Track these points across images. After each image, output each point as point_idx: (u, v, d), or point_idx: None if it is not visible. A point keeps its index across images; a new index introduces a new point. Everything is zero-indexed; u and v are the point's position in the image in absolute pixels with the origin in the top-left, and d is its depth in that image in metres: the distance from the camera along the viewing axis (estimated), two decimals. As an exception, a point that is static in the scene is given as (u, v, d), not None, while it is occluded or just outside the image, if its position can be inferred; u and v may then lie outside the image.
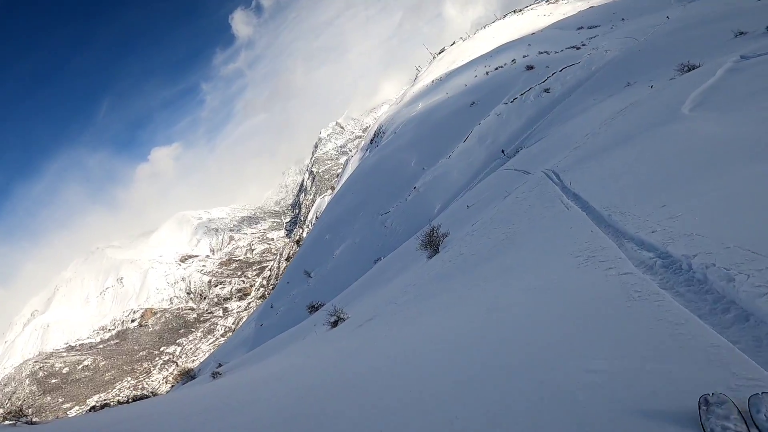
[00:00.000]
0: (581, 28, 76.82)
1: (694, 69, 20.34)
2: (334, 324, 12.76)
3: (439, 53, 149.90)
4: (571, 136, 24.28)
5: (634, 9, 68.92)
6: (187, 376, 24.29)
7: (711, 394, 2.13)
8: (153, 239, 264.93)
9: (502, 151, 42.59)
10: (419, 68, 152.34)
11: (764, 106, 9.23)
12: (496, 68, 69.37)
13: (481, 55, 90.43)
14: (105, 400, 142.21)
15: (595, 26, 74.38)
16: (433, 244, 14.39)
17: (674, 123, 11.24)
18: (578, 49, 62.08)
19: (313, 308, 27.90)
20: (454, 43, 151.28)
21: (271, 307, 55.55)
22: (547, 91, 51.33)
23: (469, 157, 44.55)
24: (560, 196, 11.16)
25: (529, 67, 59.76)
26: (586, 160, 13.46)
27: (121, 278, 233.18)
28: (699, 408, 2.09)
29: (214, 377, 18.52)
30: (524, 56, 69.21)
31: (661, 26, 47.79)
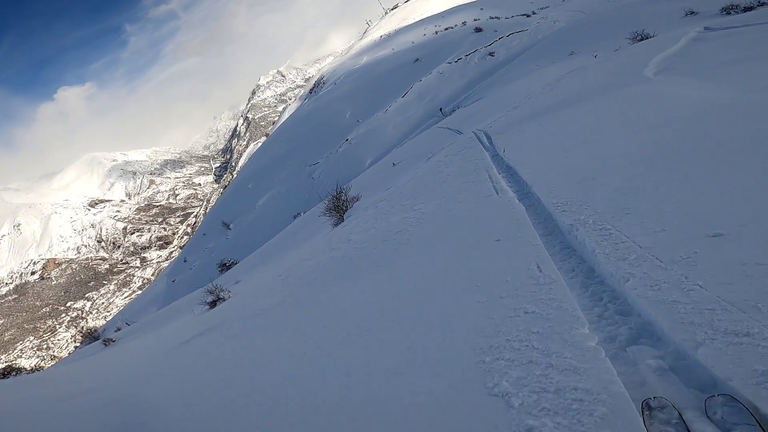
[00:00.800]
0: (535, -4, 77.02)
1: (647, 39, 20.05)
2: (213, 304, 11.06)
3: (392, 9, 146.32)
4: (509, 97, 23.50)
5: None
6: (91, 336, 21.55)
7: (653, 398, 2.09)
8: (57, 181, 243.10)
9: (440, 110, 41.84)
10: (369, 23, 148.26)
11: (752, 76, 7.54)
12: (446, 29, 68.04)
13: (433, 15, 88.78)
14: (6, 362, 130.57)
15: (548, -4, 74.84)
16: (339, 209, 12.80)
17: (639, 85, 9.56)
18: (528, 17, 62.29)
19: (225, 267, 25.63)
20: (408, 0, 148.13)
21: (185, 261, 52.43)
22: (491, 54, 51.00)
23: (406, 112, 43.43)
24: (488, 168, 8.71)
25: (478, 30, 59.07)
26: (527, 122, 11.52)
27: (19, 224, 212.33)
28: (642, 413, 2.05)
29: (105, 344, 16.40)
30: (475, 19, 68.38)
31: (613, 2, 48.57)
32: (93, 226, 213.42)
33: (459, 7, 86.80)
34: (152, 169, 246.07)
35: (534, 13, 63.89)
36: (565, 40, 38.05)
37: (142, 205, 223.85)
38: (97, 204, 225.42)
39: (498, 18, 65.10)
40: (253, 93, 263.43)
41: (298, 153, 48.42)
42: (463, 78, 48.00)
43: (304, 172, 44.11)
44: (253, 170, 55.10)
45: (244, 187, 52.26)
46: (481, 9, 74.90)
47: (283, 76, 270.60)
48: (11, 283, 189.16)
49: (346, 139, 43.50)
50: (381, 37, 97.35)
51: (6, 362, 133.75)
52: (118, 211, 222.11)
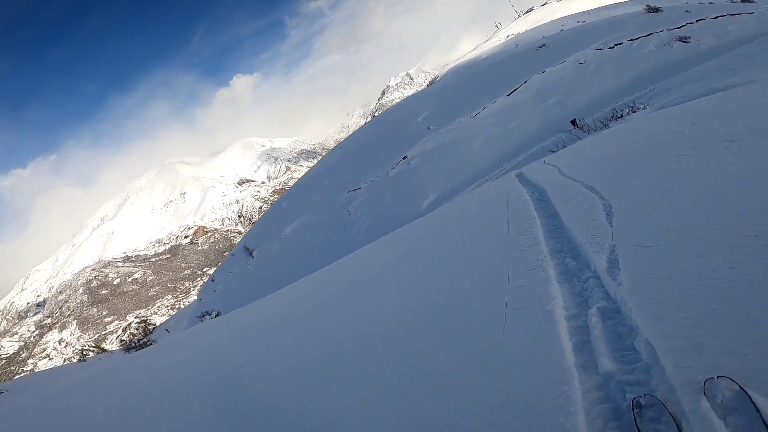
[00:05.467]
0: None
1: None
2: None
3: (527, 12, 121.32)
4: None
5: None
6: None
7: (643, 396, 1.86)
8: (219, 159, 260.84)
9: (573, 122, 20.98)
10: (499, 25, 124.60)
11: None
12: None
13: (579, 12, 63.87)
14: (144, 316, 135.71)
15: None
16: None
17: None
18: (746, 0, 36.13)
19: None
20: (546, 3, 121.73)
21: (213, 280, 39.22)
22: (683, 40, 27.85)
23: (509, 121, 23.22)
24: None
25: (652, 9, 35.31)
26: None
27: (185, 193, 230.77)
28: (632, 411, 1.83)
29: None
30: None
31: None
32: (237, 202, 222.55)
33: (619, 4, 60.48)
34: (290, 156, 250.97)
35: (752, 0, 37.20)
36: None
37: (278, 188, 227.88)
38: (243, 183, 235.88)
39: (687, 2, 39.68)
40: (383, 93, 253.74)
41: (341, 169, 30.97)
42: (624, 72, 25.90)
43: (341, 199, 26.49)
44: (297, 185, 39.10)
45: (279, 206, 36.50)
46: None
47: (411, 78, 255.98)
48: (168, 243, 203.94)
49: (404, 157, 24.68)
50: (508, 36, 76.14)
51: (144, 317, 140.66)
52: (258, 191, 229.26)
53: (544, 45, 32.22)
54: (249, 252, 33.36)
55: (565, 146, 11.37)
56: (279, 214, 33.41)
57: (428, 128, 25.92)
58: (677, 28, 30.01)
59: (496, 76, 29.16)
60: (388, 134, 29.73)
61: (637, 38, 30.32)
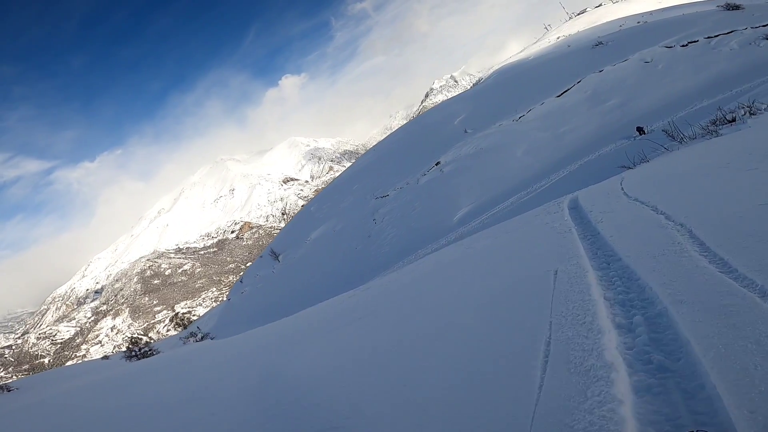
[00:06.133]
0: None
1: None
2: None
3: (579, 14, 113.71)
4: None
5: None
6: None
7: (696, 430, 1.72)
8: (266, 158, 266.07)
9: (639, 129, 17.59)
10: (548, 27, 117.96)
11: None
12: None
13: (639, 13, 58.13)
14: (190, 307, 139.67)
15: None
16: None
17: None
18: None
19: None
20: (600, 5, 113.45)
21: (241, 282, 38.48)
22: (773, 38, 23.78)
23: (559, 126, 20.02)
24: None
25: (732, 7, 30.64)
26: None
27: (233, 189, 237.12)
28: None
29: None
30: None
31: None
32: (281, 199, 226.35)
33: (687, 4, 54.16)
34: (333, 156, 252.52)
35: None
36: None
37: (320, 187, 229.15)
38: (288, 181, 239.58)
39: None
40: (426, 96, 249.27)
41: (371, 173, 28.58)
42: (701, 72, 22.17)
43: (368, 206, 24.17)
44: (329, 187, 37.15)
45: (307, 209, 34.68)
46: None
47: (456, 81, 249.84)
48: (216, 237, 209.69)
49: (437, 163, 21.96)
50: (558, 38, 70.85)
51: (189, 308, 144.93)
52: (301, 190, 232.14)
53: (600, 43, 28.37)
54: (275, 256, 31.88)
55: (646, 160, 8.39)
56: (307, 219, 31.65)
57: (465, 132, 23.06)
58: (764, 26, 25.52)
59: (544, 76, 25.80)
60: (421, 138, 27.12)
61: (716, 36, 26.03)
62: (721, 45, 24.73)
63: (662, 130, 8.24)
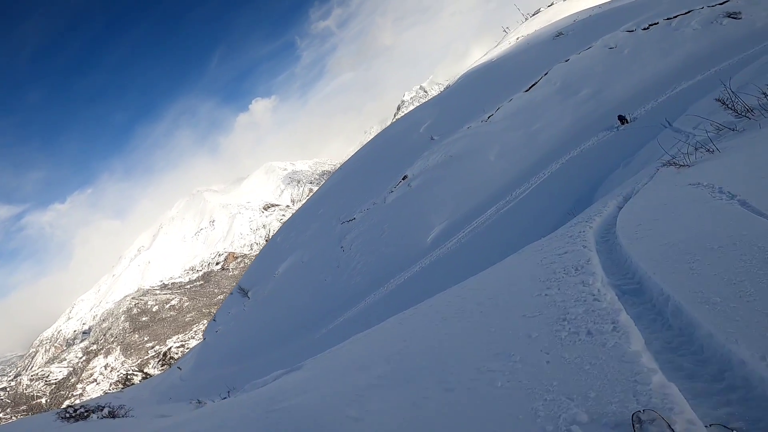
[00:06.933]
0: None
1: None
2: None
3: (533, 15, 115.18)
4: None
5: None
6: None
7: (642, 411, 1.76)
8: (244, 186, 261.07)
9: (620, 118, 15.50)
10: (507, 30, 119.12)
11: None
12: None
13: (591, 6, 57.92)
14: (182, 341, 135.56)
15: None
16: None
17: None
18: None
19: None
20: (552, 4, 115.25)
21: (214, 320, 35.34)
22: (734, 16, 22.33)
23: (532, 121, 17.89)
24: None
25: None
26: None
27: (213, 221, 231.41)
28: (633, 426, 1.75)
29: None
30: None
31: None
32: (264, 226, 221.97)
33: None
34: (312, 178, 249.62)
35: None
36: None
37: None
38: (269, 207, 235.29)
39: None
40: (398, 109, 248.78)
41: (335, 195, 25.91)
42: (669, 54, 20.55)
43: (335, 232, 21.46)
44: (295, 215, 34.34)
45: (274, 239, 31.72)
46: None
47: (425, 91, 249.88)
48: (201, 270, 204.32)
49: (404, 177, 19.45)
50: (517, 39, 70.90)
51: (182, 341, 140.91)
52: (283, 215, 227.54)
53: (561, 33, 26.65)
54: (244, 293, 28.88)
55: (708, 149, 5.48)
56: (274, 251, 28.66)
57: (431, 139, 20.69)
58: (720, 4, 24.33)
59: (509, 72, 23.78)
60: (386, 151, 24.64)
61: (675, 16, 24.65)
62: (682, 26, 23.32)
63: (715, 99, 5.55)
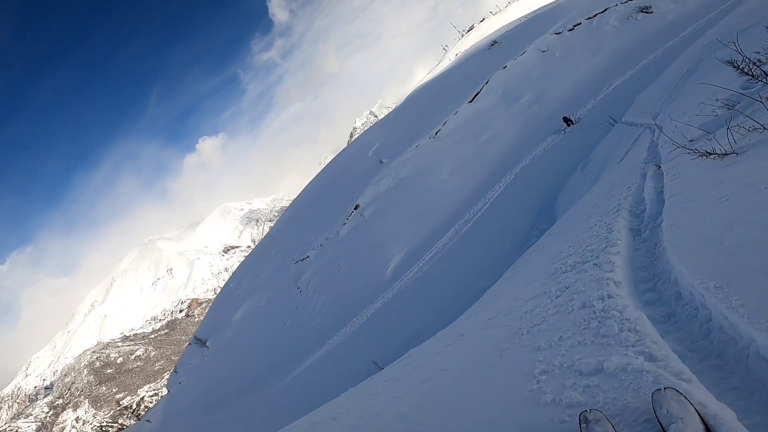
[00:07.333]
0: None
1: None
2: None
3: (468, 31, 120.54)
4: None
5: None
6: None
7: (589, 411, 1.77)
8: (200, 230, 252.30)
9: (566, 119, 15.12)
10: (446, 48, 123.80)
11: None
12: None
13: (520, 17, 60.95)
14: (155, 389, 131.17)
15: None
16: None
17: None
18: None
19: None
20: (483, 19, 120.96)
21: (176, 371, 33.25)
22: (646, 10, 23.15)
23: (480, 132, 17.31)
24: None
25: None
26: None
27: (171, 269, 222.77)
28: (579, 425, 1.76)
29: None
30: None
31: None
32: (226, 269, 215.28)
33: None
34: (271, 216, 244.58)
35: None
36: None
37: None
38: (229, 250, 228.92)
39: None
40: (351, 136, 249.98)
41: (287, 234, 24.37)
42: (597, 53, 20.82)
43: (290, 273, 19.77)
44: (247, 258, 32.30)
45: (227, 286, 29.49)
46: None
47: (375, 116, 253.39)
48: (164, 319, 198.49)
49: (356, 206, 18.21)
50: (456, 55, 73.76)
51: (154, 390, 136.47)
52: (245, 256, 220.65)
53: (495, 42, 26.88)
54: (202, 343, 26.63)
55: (733, 152, 3.54)
56: (228, 298, 26.40)
57: (380, 162, 19.65)
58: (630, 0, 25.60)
59: (451, 85, 23.43)
60: (336, 180, 23.35)
61: (594, 15, 25.55)
62: (602, 24, 24.14)
63: (726, 62, 4.13)
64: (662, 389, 1.65)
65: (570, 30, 24.66)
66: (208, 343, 26.57)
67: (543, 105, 17.75)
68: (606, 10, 25.29)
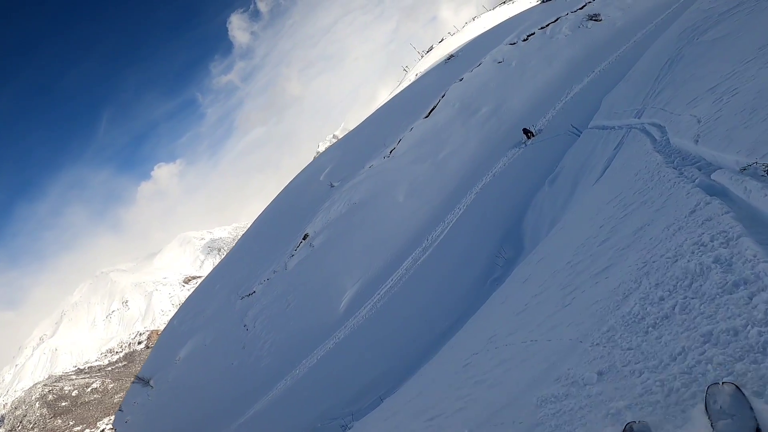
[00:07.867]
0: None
1: None
2: None
3: (428, 52, 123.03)
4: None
5: None
6: None
7: (636, 422, 1.67)
8: (157, 261, 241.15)
9: (525, 131, 14.03)
10: (407, 69, 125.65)
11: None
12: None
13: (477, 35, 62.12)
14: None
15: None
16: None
17: None
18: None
19: None
20: (442, 39, 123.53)
21: (121, 410, 30.48)
22: (595, 18, 22.91)
23: (438, 149, 16.09)
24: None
25: (546, -1, 31.68)
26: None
27: (127, 301, 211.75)
28: None
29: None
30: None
31: None
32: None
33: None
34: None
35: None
36: None
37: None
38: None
39: None
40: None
41: (232, 267, 22.19)
42: (552, 62, 20.29)
43: (235, 310, 17.57)
44: (192, 294, 29.62)
45: (171, 321, 26.69)
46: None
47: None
48: (121, 351, 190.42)
49: (304, 236, 16.35)
50: (416, 75, 74.93)
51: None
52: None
53: (452, 56, 26.18)
54: (145, 382, 23.82)
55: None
56: (172, 336, 23.62)
57: (331, 186, 17.92)
58: (580, 8, 25.78)
59: (407, 100, 22.30)
60: (285, 208, 21.38)
61: (547, 25, 25.47)
62: (555, 33, 24.03)
63: None
64: (720, 383, 1.50)
65: (524, 40, 24.33)
66: (152, 382, 23.90)
67: (501, 117, 16.74)
68: (558, 19, 25.31)
